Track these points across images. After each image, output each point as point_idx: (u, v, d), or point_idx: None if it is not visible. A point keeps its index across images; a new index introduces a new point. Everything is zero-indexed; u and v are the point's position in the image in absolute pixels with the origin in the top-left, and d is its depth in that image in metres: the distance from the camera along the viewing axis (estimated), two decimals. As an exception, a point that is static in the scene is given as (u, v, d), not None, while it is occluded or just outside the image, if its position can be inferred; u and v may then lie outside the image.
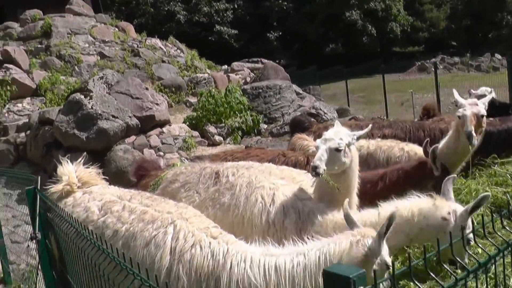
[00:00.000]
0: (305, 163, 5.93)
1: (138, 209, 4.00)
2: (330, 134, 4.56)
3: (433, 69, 35.42)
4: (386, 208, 4.33)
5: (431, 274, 2.41)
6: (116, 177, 10.38)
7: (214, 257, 3.59)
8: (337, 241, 3.60)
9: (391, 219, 3.50)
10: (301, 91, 19.65)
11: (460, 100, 5.60)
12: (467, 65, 38.16)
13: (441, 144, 5.67)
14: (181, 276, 3.56)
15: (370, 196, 5.09)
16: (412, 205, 4.32)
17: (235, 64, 23.11)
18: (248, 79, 20.97)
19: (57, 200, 4.64)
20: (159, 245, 3.67)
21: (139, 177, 6.18)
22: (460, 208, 4.23)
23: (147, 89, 14.39)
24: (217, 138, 14.66)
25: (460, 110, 5.41)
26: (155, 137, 13.32)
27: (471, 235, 3.90)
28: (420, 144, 6.63)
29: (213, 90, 16.17)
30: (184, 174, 5.07)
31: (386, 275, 3.69)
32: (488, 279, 3.84)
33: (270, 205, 4.42)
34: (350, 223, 3.84)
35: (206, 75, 19.54)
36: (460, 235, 3.88)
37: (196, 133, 14.48)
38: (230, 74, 21.24)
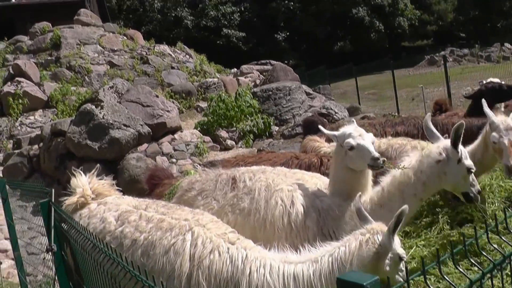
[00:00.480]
0: (319, 164, 5.90)
1: (155, 218, 4.02)
2: (357, 130, 4.48)
3: (443, 62, 35.32)
4: (386, 180, 4.38)
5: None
6: (130, 185, 10.44)
7: (233, 262, 3.61)
8: (347, 243, 3.60)
9: (400, 215, 3.50)
10: (311, 91, 19.61)
11: (494, 119, 5.08)
12: (476, 56, 37.78)
13: (470, 148, 5.42)
14: (201, 282, 3.59)
15: None
16: (405, 163, 4.32)
17: (244, 67, 23.15)
18: (258, 82, 20.98)
19: (72, 212, 4.67)
20: (178, 252, 3.69)
21: (152, 186, 6.20)
22: (448, 142, 4.24)
23: (157, 96, 14.45)
24: (229, 142, 14.68)
25: (495, 135, 4.98)
26: (167, 144, 13.38)
27: (468, 163, 4.09)
28: (433, 141, 6.63)
29: (223, 94, 16.20)
30: (200, 182, 5.07)
31: (401, 266, 3.70)
32: (505, 276, 3.89)
33: (290, 207, 4.47)
34: (362, 218, 3.85)
35: (215, 79, 19.60)
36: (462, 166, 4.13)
37: (208, 138, 14.51)
38: (239, 78, 21.28)
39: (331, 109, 17.18)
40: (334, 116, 16.62)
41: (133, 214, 4.15)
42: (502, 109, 9.01)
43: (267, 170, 5.14)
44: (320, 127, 5.09)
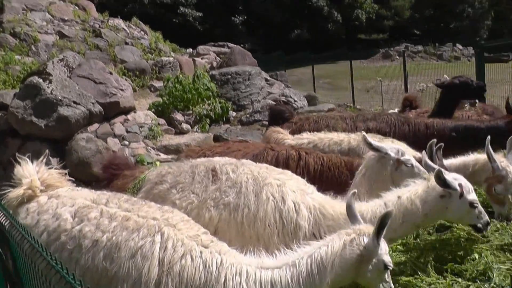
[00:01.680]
0: (297, 158, 5.51)
1: (119, 215, 3.55)
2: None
3: (398, 57, 35.74)
4: (389, 197, 4.24)
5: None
6: (78, 168, 9.74)
7: (206, 268, 3.29)
8: (330, 243, 3.45)
9: (384, 218, 3.38)
10: (268, 77, 19.21)
11: (501, 169, 5.00)
12: (430, 54, 38.59)
13: (458, 161, 5.52)
14: None
15: None
16: (411, 194, 4.20)
17: (200, 48, 22.39)
18: (215, 64, 20.39)
19: (17, 206, 4.06)
20: (146, 256, 3.30)
21: (110, 176, 5.53)
22: (458, 177, 4.26)
23: (111, 73, 13.63)
24: (184, 126, 14.07)
25: (502, 188, 4.96)
26: (120, 125, 12.64)
27: (471, 198, 4.16)
28: (404, 139, 6.37)
29: (181, 76, 15.50)
30: (172, 174, 4.65)
31: (386, 276, 3.56)
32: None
33: (281, 203, 4.22)
34: (351, 216, 3.73)
35: (171, 58, 18.78)
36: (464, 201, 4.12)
37: (162, 121, 13.85)
38: (195, 58, 20.53)
39: (291, 97, 16.81)
40: (293, 105, 16.26)
41: (93, 210, 3.63)
42: (467, 107, 8.90)
43: (246, 163, 4.76)
44: (370, 140, 4.94)
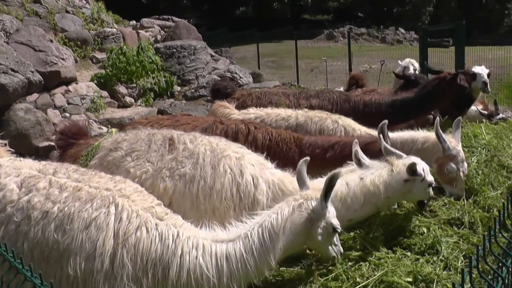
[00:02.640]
0: (246, 132, 5.48)
1: (70, 185, 3.41)
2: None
3: (341, 38, 36.19)
4: (351, 177, 4.32)
5: None
6: (16, 140, 9.28)
7: (163, 241, 3.24)
8: (279, 210, 3.52)
9: (331, 179, 3.50)
10: (213, 53, 19.05)
11: (451, 149, 5.10)
12: (373, 37, 39.25)
13: (406, 136, 5.60)
14: (126, 263, 3.14)
15: (318, 161, 5.13)
16: (375, 177, 4.30)
17: (144, 21, 21.88)
18: (159, 37, 20.02)
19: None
20: (101, 227, 3.19)
21: (64, 145, 5.30)
22: (418, 161, 4.39)
23: (51, 41, 13.09)
24: (127, 99, 13.78)
25: (454, 167, 5.04)
26: (61, 96, 12.20)
27: (430, 179, 4.40)
28: (345, 116, 6.45)
29: (125, 47, 15.10)
30: (128, 142, 4.51)
31: (335, 240, 3.76)
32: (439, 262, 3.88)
33: (239, 176, 4.16)
34: (300, 182, 3.84)
35: (114, 30, 18.25)
36: (424, 184, 4.34)
37: (105, 93, 13.47)
38: (139, 31, 20.07)
39: (236, 73, 16.75)
40: (239, 81, 16.23)
41: (41, 180, 3.45)
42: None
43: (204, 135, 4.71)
44: (387, 146, 4.77)
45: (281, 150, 5.31)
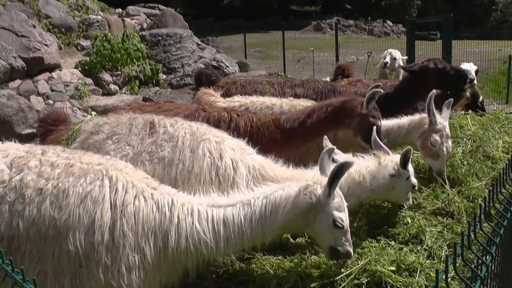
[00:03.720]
0: (229, 119, 5.42)
1: (61, 163, 3.34)
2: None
3: (329, 30, 36.17)
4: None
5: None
6: (-1, 127, 9.15)
7: (160, 209, 3.25)
8: (286, 188, 3.48)
9: (340, 167, 3.40)
10: (200, 42, 18.92)
11: (438, 123, 5.16)
12: (360, 28, 39.26)
13: (391, 123, 5.63)
14: (127, 233, 3.12)
15: (301, 133, 5.22)
16: (361, 167, 4.28)
17: (130, 8, 21.66)
18: (145, 25, 19.86)
19: None
20: (97, 201, 3.16)
21: (45, 132, 5.21)
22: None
23: (34, 27, 12.90)
24: (112, 87, 13.65)
25: (438, 140, 5.09)
26: (44, 82, 12.04)
27: (414, 181, 4.41)
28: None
29: (109, 34, 14.94)
30: (109, 125, 4.44)
31: (342, 238, 3.55)
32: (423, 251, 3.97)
33: (218, 160, 4.11)
34: (321, 168, 3.80)
35: (99, 17, 18.05)
36: (408, 184, 4.33)
37: (89, 80, 13.34)
38: (125, 18, 19.88)
39: (222, 62, 16.66)
40: (225, 70, 16.16)
41: (31, 159, 3.37)
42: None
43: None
44: (377, 139, 4.73)
45: (263, 134, 5.25)
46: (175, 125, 4.33)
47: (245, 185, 4.06)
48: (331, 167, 3.69)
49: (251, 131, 5.31)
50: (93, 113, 5.72)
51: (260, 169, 4.18)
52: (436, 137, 5.10)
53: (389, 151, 4.57)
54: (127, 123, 4.40)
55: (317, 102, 6.50)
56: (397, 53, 11.47)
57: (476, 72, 9.38)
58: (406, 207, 4.66)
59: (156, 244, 3.19)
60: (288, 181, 3.72)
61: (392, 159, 4.37)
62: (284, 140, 5.22)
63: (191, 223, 3.25)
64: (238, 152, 4.25)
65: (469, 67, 9.25)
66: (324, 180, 3.50)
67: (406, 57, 13.36)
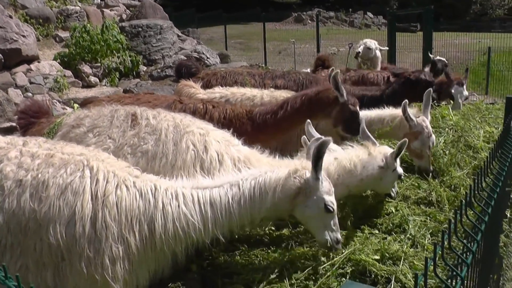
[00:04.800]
0: (204, 111, 5.38)
1: (42, 153, 3.27)
2: None
3: (310, 21, 36.17)
4: (328, 159, 4.13)
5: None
6: (-24, 119, 8.98)
7: (143, 196, 3.19)
8: (276, 170, 3.49)
9: (320, 147, 3.39)
10: (180, 33, 18.79)
11: (418, 126, 5.25)
12: (341, 20, 39.32)
13: (373, 114, 5.67)
14: (109, 224, 3.06)
15: (273, 126, 5.22)
16: (352, 156, 4.28)
17: (109, -1, 21.39)
18: (124, 16, 19.62)
19: None
20: (77, 192, 3.09)
21: (25, 124, 5.11)
22: (389, 150, 4.43)
23: (10, 17, 12.65)
24: (92, 79, 13.48)
25: (417, 144, 5.22)
26: (22, 74, 11.83)
27: (400, 171, 4.46)
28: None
29: (88, 25, 14.72)
30: (91, 118, 4.37)
31: (331, 223, 3.58)
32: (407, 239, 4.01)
33: (203, 153, 4.05)
34: (309, 153, 3.72)
35: (77, 8, 17.76)
36: (395, 174, 4.40)
37: (69, 73, 13.15)
38: (104, 9, 19.59)
39: (203, 53, 16.58)
40: (206, 61, 16.07)
41: (11, 150, 3.29)
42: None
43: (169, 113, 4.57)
44: (365, 129, 4.76)
45: (234, 126, 5.18)
46: (158, 117, 4.26)
47: None
48: None
49: (224, 122, 5.26)
50: (76, 105, 5.60)
51: (245, 161, 4.13)
52: (416, 142, 5.22)
53: (376, 141, 4.60)
54: (109, 115, 4.32)
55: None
56: (372, 43, 11.44)
57: (444, 65, 9.69)
58: (393, 195, 4.70)
59: (142, 233, 3.14)
60: None
61: (380, 151, 4.40)
62: (254, 133, 5.15)
63: (177, 206, 3.22)
64: (223, 144, 4.19)
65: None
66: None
67: (387, 48, 13.39)
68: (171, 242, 3.21)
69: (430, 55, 11.55)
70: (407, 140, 5.19)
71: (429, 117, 5.42)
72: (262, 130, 5.19)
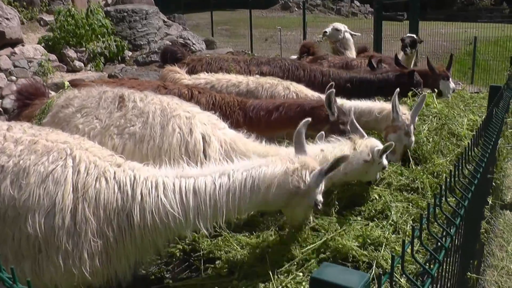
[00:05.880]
0: (189, 96, 5.36)
1: (25, 139, 3.19)
2: None
3: (296, 9, 36.03)
4: (312, 149, 4.14)
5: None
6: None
7: (121, 189, 3.09)
8: (271, 164, 3.33)
9: (339, 159, 3.34)
10: (166, 19, 18.64)
11: (399, 121, 5.24)
12: (328, 8, 39.19)
13: (364, 106, 5.64)
14: (89, 217, 2.98)
15: (264, 124, 5.20)
16: (337, 152, 4.20)
17: (94, -17, 21.10)
18: (110, 1, 19.33)
19: None
20: (58, 182, 3.00)
21: (21, 105, 5.05)
22: (378, 144, 4.41)
23: (-7, 0, 12.46)
24: (77, 63, 13.34)
25: (392, 137, 5.21)
26: (6, 58, 11.67)
27: (385, 163, 4.45)
28: (299, 83, 6.40)
29: (73, 9, 14.53)
30: (79, 98, 4.40)
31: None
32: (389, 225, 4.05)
33: (188, 135, 4.09)
34: (297, 143, 3.61)
35: (62, -9, 17.55)
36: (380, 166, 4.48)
37: (53, 57, 13.00)
38: (89, -7, 19.35)
39: (189, 39, 16.47)
40: (192, 47, 15.97)
41: None
42: None
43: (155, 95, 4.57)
44: (354, 122, 4.73)
45: (224, 114, 5.20)
46: (145, 100, 4.28)
47: (218, 160, 4.03)
48: (306, 146, 3.68)
49: (213, 109, 5.25)
50: (66, 83, 5.54)
51: (231, 143, 4.16)
52: (394, 135, 5.23)
53: (364, 134, 4.59)
54: (97, 96, 4.35)
55: (283, 80, 6.49)
56: (341, 26, 11.52)
57: (411, 40, 9.98)
58: (373, 182, 4.71)
59: (121, 226, 3.06)
60: (261, 157, 3.67)
61: (367, 145, 4.36)
62: (246, 124, 5.12)
63: (156, 196, 3.11)
64: (210, 127, 4.22)
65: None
66: (311, 163, 3.43)
67: (359, 34, 13.38)
68: (150, 235, 3.12)
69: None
70: (387, 132, 5.31)
71: (415, 121, 5.39)
72: (254, 124, 5.16)
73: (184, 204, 3.13)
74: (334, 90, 5.21)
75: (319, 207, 3.48)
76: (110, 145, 4.02)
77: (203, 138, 4.12)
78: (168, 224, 3.12)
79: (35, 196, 2.95)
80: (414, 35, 10.51)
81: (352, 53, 10.90)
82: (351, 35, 11.50)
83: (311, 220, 3.82)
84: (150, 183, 3.15)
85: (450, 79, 8.01)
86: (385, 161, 4.45)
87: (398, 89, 5.33)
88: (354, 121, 4.69)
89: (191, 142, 4.06)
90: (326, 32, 11.27)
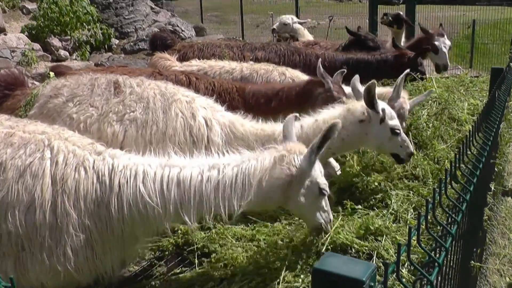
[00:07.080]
0: (187, 83, 5.25)
1: (1, 132, 3.03)
2: None
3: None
4: (307, 120, 4.05)
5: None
6: None
7: (100, 179, 2.92)
8: (260, 158, 3.14)
9: (329, 130, 3.12)
10: (153, 5, 18.37)
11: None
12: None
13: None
14: (69, 211, 2.82)
15: (263, 110, 5.04)
16: (328, 117, 4.03)
17: (79, -31, 20.70)
18: (95, -12, 19.04)
19: None
20: (37, 175, 2.85)
21: (1, 96, 4.84)
22: (385, 105, 4.16)
23: (-26, -12, 12.13)
24: (62, 52, 13.06)
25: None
26: (-12, 47, 11.39)
27: (393, 123, 4.08)
28: (294, 69, 6.27)
29: (56, -5, 14.20)
30: (68, 87, 4.25)
31: (323, 204, 3.31)
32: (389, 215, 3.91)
33: (191, 119, 4.07)
34: (286, 133, 3.47)
35: (45, -22, 17.18)
36: (385, 127, 4.05)
37: (37, 46, 12.69)
38: (73, -20, 18.98)
39: (178, 26, 16.22)
40: (181, 34, 15.72)
41: None
42: None
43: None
44: (356, 84, 4.64)
45: (224, 100, 5.08)
46: (142, 85, 4.21)
47: (220, 143, 4.04)
48: (294, 136, 3.49)
49: (212, 95, 5.15)
50: (51, 73, 5.34)
51: (230, 126, 4.14)
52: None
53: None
54: (88, 84, 4.22)
55: (279, 66, 6.33)
56: (288, 18, 11.58)
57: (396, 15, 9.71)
58: (403, 157, 4.25)
59: (102, 218, 2.90)
60: (257, 137, 3.77)
61: (362, 103, 4.09)
62: (245, 110, 5.01)
63: (134, 186, 2.92)
64: (210, 110, 4.21)
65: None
66: (297, 147, 3.23)
67: (308, 20, 13.33)
68: (130, 227, 2.95)
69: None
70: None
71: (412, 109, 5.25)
72: (253, 110, 4.99)
73: (164, 194, 2.94)
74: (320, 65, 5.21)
75: (325, 193, 3.24)
76: (109, 132, 3.94)
77: (205, 122, 4.11)
78: (146, 215, 2.94)
79: (14, 192, 2.80)
80: (400, 12, 10.31)
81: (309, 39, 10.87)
82: (300, 23, 11.61)
83: (331, 217, 3.46)
84: (129, 171, 2.96)
85: (445, 35, 7.98)
86: (392, 122, 4.08)
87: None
88: (356, 84, 4.58)
89: (195, 126, 4.06)
90: (274, 29, 11.33)
